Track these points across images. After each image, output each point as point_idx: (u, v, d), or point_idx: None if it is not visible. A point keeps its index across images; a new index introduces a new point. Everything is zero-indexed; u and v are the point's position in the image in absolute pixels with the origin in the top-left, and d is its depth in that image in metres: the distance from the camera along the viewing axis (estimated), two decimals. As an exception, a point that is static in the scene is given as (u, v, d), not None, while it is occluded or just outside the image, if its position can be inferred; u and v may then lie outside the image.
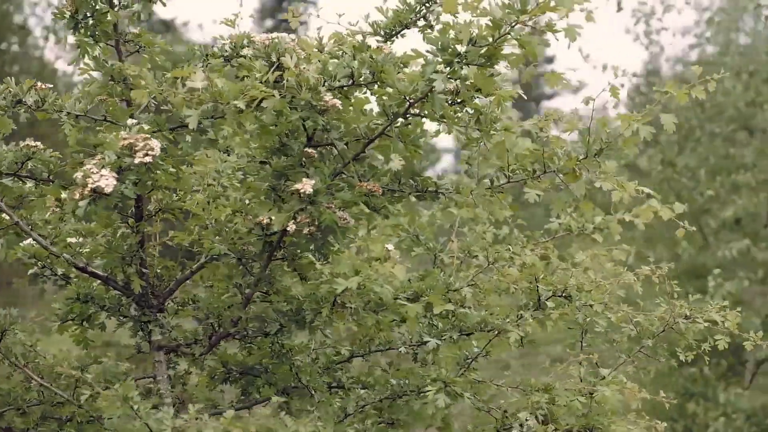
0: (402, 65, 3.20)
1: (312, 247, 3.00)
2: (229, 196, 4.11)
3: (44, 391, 3.89)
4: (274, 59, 3.21)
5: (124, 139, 2.92)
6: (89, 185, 2.66)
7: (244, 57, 3.70)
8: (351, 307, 3.05)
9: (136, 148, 2.79)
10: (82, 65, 3.44)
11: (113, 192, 2.73)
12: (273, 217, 3.14)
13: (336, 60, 3.09)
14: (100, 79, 3.45)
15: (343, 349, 4.06)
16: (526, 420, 3.62)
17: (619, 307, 4.06)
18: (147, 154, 2.77)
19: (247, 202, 3.89)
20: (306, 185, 2.81)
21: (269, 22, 31.61)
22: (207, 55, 3.83)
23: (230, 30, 3.88)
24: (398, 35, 3.97)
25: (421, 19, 3.94)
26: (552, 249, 4.20)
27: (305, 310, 3.22)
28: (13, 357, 3.83)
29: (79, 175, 2.73)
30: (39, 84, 3.56)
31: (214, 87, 2.81)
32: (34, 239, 3.80)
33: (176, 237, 4.04)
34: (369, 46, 3.59)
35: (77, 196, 2.70)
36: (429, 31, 3.94)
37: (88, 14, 3.16)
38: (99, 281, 3.98)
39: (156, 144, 2.80)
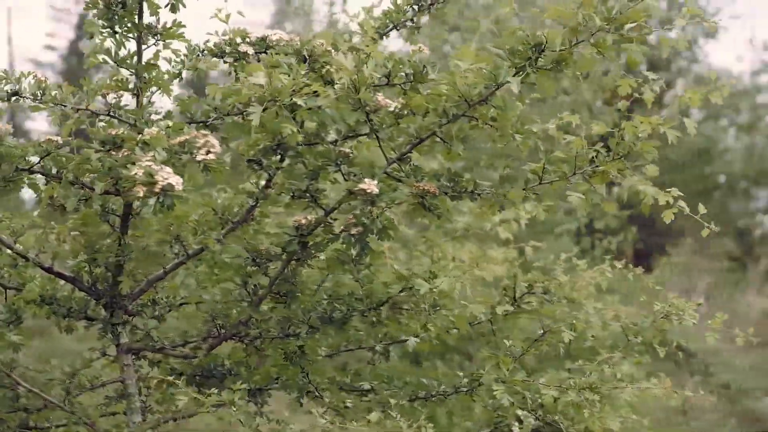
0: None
1: (356, 247, 2.97)
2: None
3: (30, 397, 3.71)
4: (305, 55, 3.17)
5: (162, 134, 2.81)
6: (159, 183, 2.56)
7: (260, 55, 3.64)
8: (425, 308, 3.03)
9: (197, 145, 2.69)
10: (92, 58, 3.29)
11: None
12: (309, 217, 3.11)
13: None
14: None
15: (320, 350, 4.03)
16: (525, 418, 3.69)
17: (591, 304, 4.18)
18: (209, 152, 2.68)
19: (224, 202, 3.81)
20: (371, 185, 2.78)
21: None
22: (202, 51, 3.74)
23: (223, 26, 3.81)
24: (386, 36, 4.00)
25: (409, 21, 3.98)
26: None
27: (340, 310, 3.18)
28: (-3, 363, 3.65)
29: (139, 172, 2.61)
30: (38, 74, 3.38)
31: (275, 83, 2.75)
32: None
33: (156, 234, 3.91)
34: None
35: (141, 194, 2.59)
36: (416, 33, 3.98)
37: (119, 5, 3.03)
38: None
39: (216, 141, 2.72)
